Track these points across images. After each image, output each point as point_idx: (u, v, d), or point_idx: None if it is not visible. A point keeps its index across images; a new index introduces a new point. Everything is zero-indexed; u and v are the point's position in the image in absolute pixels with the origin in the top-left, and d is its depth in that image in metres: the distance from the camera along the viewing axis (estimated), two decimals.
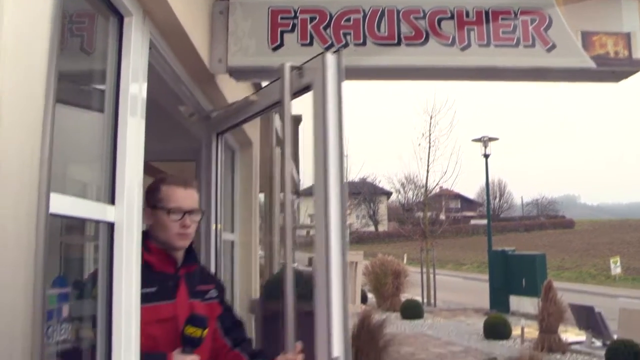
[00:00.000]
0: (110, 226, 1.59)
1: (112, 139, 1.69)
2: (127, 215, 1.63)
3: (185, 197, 2.27)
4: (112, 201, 1.64)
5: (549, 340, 11.30)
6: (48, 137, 0.83)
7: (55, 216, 1.20)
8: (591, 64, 3.00)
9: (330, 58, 2.31)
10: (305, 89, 2.42)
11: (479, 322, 14.57)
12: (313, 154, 2.33)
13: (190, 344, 2.09)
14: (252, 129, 4.33)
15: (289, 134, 2.34)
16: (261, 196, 5.75)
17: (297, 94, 2.44)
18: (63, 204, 1.29)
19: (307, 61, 2.42)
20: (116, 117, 1.72)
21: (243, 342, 2.51)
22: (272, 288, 4.26)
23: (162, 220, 2.24)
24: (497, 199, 75.32)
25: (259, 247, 5.01)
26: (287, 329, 2.25)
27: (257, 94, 3.00)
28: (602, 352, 10.21)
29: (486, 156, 21.18)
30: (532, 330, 12.34)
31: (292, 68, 2.39)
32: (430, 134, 23.08)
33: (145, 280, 2.10)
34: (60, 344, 1.83)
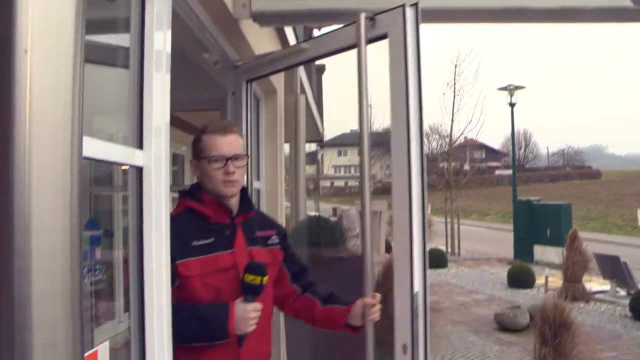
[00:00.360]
0: (139, 170, 1.60)
1: (138, 91, 1.69)
2: (155, 160, 1.63)
3: (225, 143, 2.21)
4: (140, 146, 1.65)
5: (572, 289, 11.33)
6: (78, 82, 0.83)
7: (88, 159, 1.22)
8: (627, 3, 2.87)
9: (409, 11, 2.42)
10: (380, 37, 2.50)
11: (502, 272, 14.66)
12: (390, 101, 2.43)
13: (251, 292, 2.07)
14: (277, 76, 4.30)
15: (365, 79, 2.35)
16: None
17: (370, 41, 2.49)
18: (95, 148, 1.30)
19: (381, 12, 2.48)
20: (142, 70, 1.70)
21: (311, 286, 2.48)
22: (298, 236, 4.31)
23: (206, 170, 2.20)
24: (523, 149, 74.67)
25: (284, 196, 5.03)
26: (365, 275, 2.32)
27: (310, 42, 3.02)
28: (627, 302, 10.24)
29: (512, 105, 20.87)
30: (556, 280, 12.38)
31: (366, 17, 2.45)
32: (454, 83, 22.87)
33: (202, 232, 2.15)
34: (94, 285, 1.88)
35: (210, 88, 4.07)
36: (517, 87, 20.93)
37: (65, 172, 0.80)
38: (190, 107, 4.80)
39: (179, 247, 2.07)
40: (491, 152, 76.99)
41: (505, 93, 20.94)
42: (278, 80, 4.47)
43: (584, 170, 69.37)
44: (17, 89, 0.70)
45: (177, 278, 2.07)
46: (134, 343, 1.60)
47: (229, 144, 2.21)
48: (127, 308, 1.80)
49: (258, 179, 4.08)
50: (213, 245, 2.15)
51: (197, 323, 2.04)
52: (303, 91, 5.12)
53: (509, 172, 33.91)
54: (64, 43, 0.78)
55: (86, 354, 1.19)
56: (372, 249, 2.38)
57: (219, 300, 2.09)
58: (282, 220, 4.40)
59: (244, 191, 2.33)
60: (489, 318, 9.78)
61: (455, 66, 23.00)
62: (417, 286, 2.34)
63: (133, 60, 1.70)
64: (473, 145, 46.71)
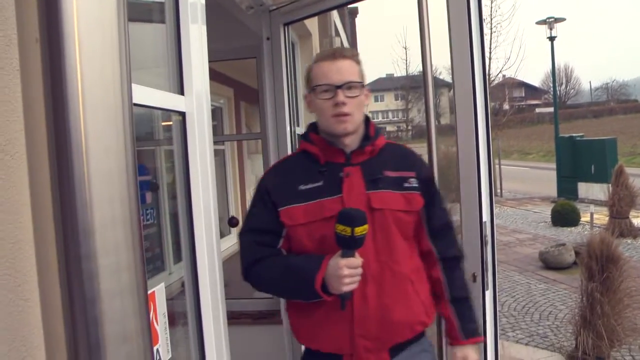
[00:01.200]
0: (182, 115, 1.63)
1: (176, 43, 1.70)
2: (197, 105, 1.66)
3: (333, 69, 1.90)
4: (181, 92, 1.67)
5: (619, 225, 11.14)
6: (123, 31, 0.85)
7: (137, 105, 1.25)
8: None
9: None
10: None
11: (546, 210, 14.51)
12: (451, 42, 2.39)
13: (344, 245, 1.75)
14: (311, 20, 4.25)
15: (426, 17, 2.30)
16: None
17: None
18: (142, 95, 1.33)
19: None
20: (178, 24, 1.71)
21: (452, 260, 2.09)
22: None
23: (316, 104, 1.94)
24: (564, 85, 72.57)
25: None
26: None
27: None
28: None
29: (552, 39, 20.16)
30: (601, 217, 12.19)
31: None
32: (491, 19, 22.07)
33: (311, 175, 1.92)
34: (146, 229, 1.92)
35: (243, 35, 4.04)
36: (556, 20, 20.17)
37: (117, 120, 0.82)
38: (225, 57, 4.79)
39: (284, 193, 1.93)
40: (531, 90, 75.04)
41: (545, 27, 20.21)
42: (312, 24, 4.41)
43: (629, 104, 67.17)
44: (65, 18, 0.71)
45: (284, 227, 1.93)
46: (188, 288, 1.66)
47: (338, 70, 1.91)
48: (176, 260, 1.85)
49: (298, 125, 4.08)
50: (321, 190, 1.89)
51: (289, 276, 1.87)
52: (337, 34, 5.06)
53: (550, 109, 33.08)
54: (109, 13, 0.80)
55: None
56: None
57: (325, 253, 1.84)
58: None
59: (368, 125, 2.01)
60: (534, 257, 9.74)
61: (492, 1, 22.22)
62: (485, 216, 2.39)
63: (169, 15, 1.71)
64: (512, 84, 45.57)
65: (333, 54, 1.95)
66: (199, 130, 1.63)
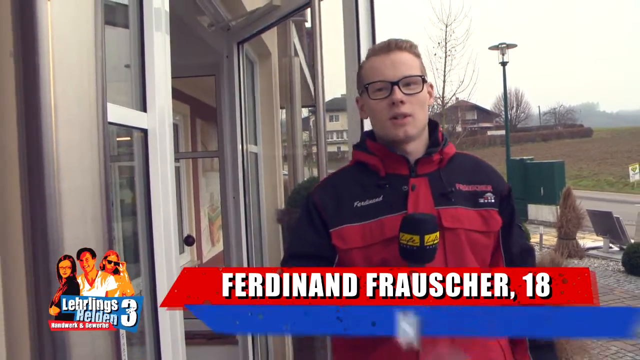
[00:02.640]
0: (144, 132, 1.60)
1: (140, 52, 1.68)
2: (159, 122, 1.64)
3: (387, 63, 1.59)
4: (144, 109, 1.65)
5: (567, 246, 11.45)
6: (101, 48, 0.84)
7: (112, 124, 1.23)
8: None
9: None
10: None
11: None
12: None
13: (411, 259, 1.41)
14: (270, 40, 4.27)
15: (318, 41, 2.29)
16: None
17: None
18: (115, 114, 1.31)
19: None
20: (142, 30, 1.70)
21: None
22: (298, 197, 4.33)
23: (370, 106, 1.63)
24: (514, 109, 74.52)
25: (282, 161, 5.03)
26: None
27: None
28: (619, 257, 10.37)
29: (503, 64, 20.78)
30: (550, 238, 12.50)
31: None
32: (446, 43, 22.57)
33: (368, 189, 1.60)
34: None
35: (203, 53, 4.03)
36: (508, 46, 20.83)
37: (92, 139, 0.81)
38: (185, 74, 4.76)
39: (336, 211, 1.62)
40: (483, 113, 76.67)
41: (497, 52, 20.84)
42: (272, 44, 4.44)
43: (575, 129, 69.44)
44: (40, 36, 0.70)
45: (336, 253, 1.59)
46: (146, 306, 1.63)
47: (393, 63, 1.59)
48: (132, 277, 1.82)
49: (255, 143, 4.08)
50: (381, 206, 1.57)
51: None
52: (296, 54, 5.09)
53: (502, 132, 33.89)
54: (85, 28, 0.80)
55: None
56: None
57: None
58: (280, 183, 4.40)
59: (434, 129, 1.68)
60: None
61: (447, 26, 22.74)
62: None
63: (132, 20, 1.69)
64: (465, 107, 46.59)
65: (387, 45, 1.63)
66: (161, 148, 1.61)
